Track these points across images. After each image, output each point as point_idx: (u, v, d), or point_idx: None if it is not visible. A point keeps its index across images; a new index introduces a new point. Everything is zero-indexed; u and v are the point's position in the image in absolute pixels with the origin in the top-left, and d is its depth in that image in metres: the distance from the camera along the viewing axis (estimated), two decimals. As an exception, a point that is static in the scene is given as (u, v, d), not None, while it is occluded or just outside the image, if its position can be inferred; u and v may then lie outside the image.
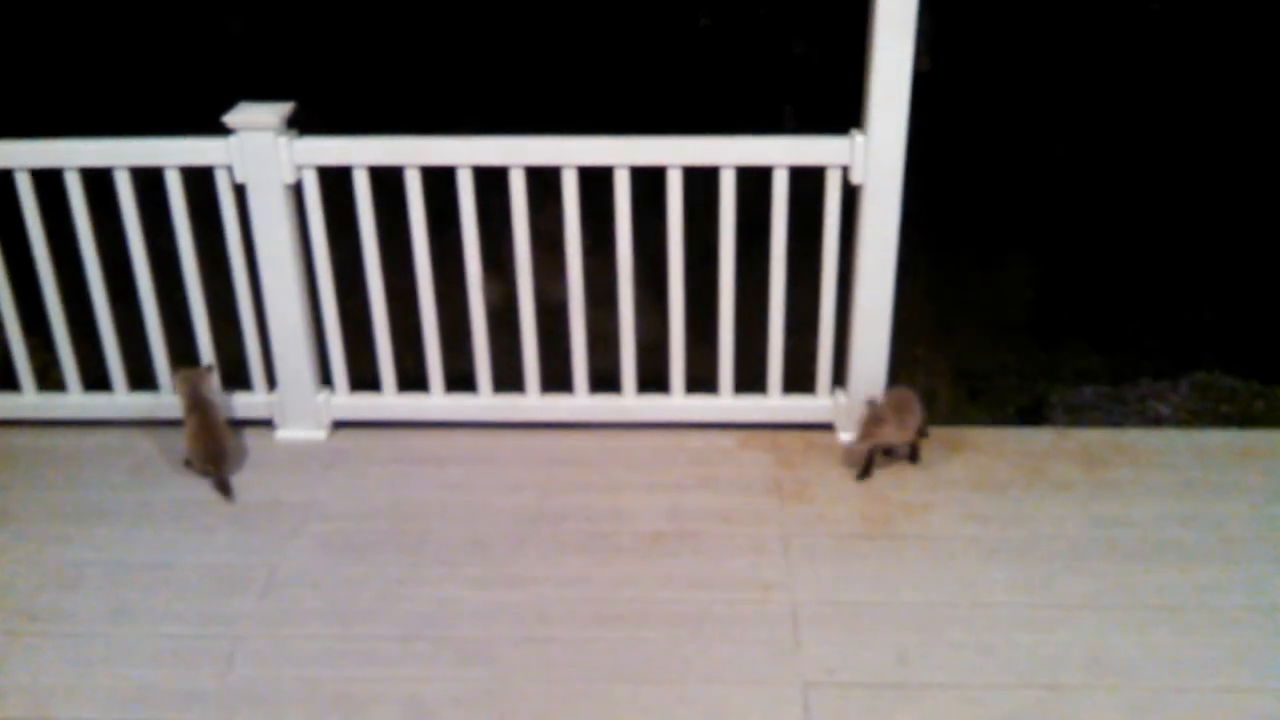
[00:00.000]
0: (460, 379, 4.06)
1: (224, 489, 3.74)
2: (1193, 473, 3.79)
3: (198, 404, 3.83)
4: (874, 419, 3.67)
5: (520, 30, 8.23)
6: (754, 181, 3.74)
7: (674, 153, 3.69)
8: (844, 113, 3.69)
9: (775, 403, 4.02)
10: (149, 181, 3.80)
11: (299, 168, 3.73)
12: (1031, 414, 4.88)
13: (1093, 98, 7.46)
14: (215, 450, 3.80)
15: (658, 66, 7.91)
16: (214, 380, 3.91)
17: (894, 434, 3.72)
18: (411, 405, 4.07)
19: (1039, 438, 4.08)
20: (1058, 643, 3.10)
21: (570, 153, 3.70)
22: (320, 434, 4.06)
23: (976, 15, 7.51)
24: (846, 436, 3.98)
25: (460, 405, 4.07)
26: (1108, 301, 5.82)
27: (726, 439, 4.00)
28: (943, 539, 3.51)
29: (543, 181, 3.77)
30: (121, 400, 4.09)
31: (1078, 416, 4.78)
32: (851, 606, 3.24)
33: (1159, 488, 3.72)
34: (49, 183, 3.81)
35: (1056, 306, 5.78)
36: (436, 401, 4.07)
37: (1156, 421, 4.73)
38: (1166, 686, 2.95)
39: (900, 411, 3.74)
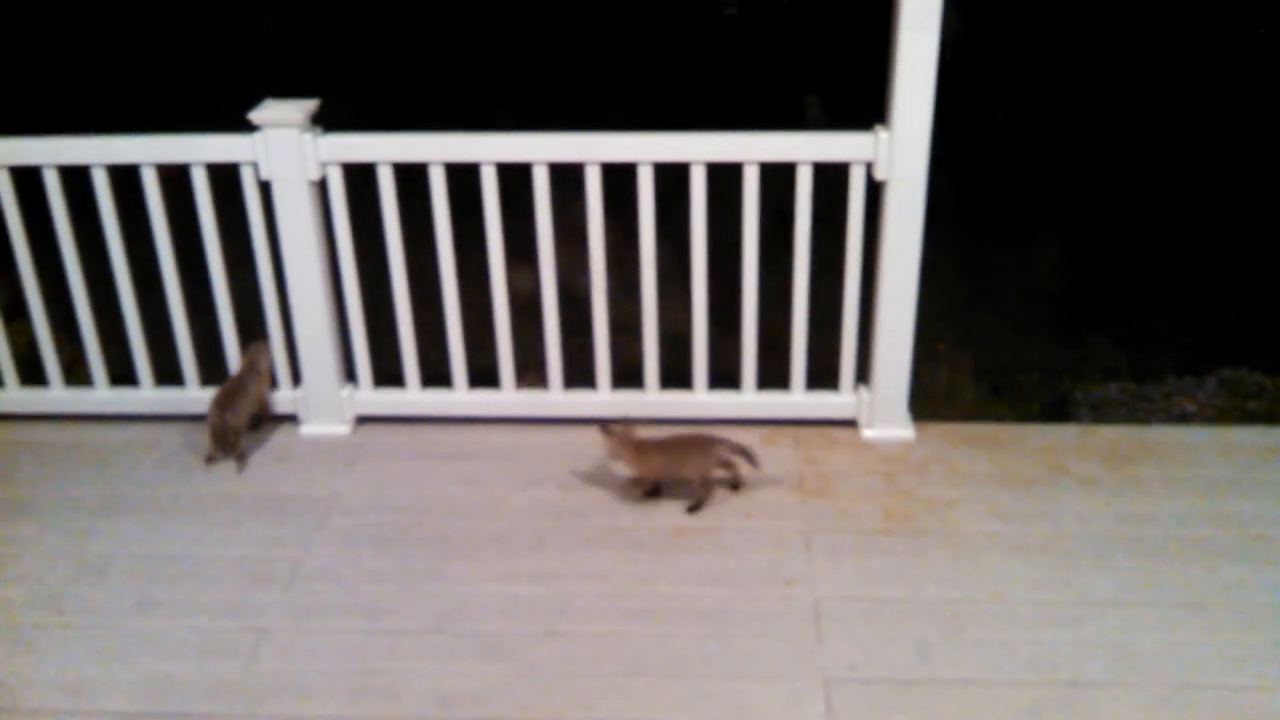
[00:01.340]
0: (483, 374, 4.07)
1: (218, 439, 3.85)
2: (1218, 470, 3.77)
3: (250, 368, 3.97)
4: (618, 441, 3.64)
5: (544, 22, 8.24)
6: (778, 177, 3.73)
7: (698, 149, 3.70)
8: (869, 102, 3.68)
9: (798, 399, 4.02)
10: (176, 179, 3.83)
11: (324, 164, 3.75)
12: (1056, 411, 4.86)
13: (1121, 93, 7.42)
14: (221, 395, 3.89)
15: (683, 55, 7.91)
16: (269, 353, 4.04)
17: (638, 465, 3.65)
18: (435, 401, 4.09)
19: (1063, 435, 4.06)
20: (1081, 639, 3.08)
21: (594, 149, 3.71)
22: (344, 429, 4.08)
23: (1003, 9, 7.48)
24: (870, 433, 3.98)
25: (483, 401, 4.08)
26: (1133, 298, 5.79)
27: (749, 435, 3.98)
28: (966, 535, 3.50)
29: (567, 178, 3.77)
30: (148, 395, 4.12)
31: (1102, 413, 4.76)
32: (873, 602, 3.24)
33: (1184, 485, 3.70)
34: (76, 180, 3.83)
35: (1081, 303, 5.76)
36: (460, 397, 4.08)
37: (1182, 419, 4.70)
38: (1190, 684, 2.94)
39: (676, 450, 3.68)
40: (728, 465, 3.69)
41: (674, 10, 8.28)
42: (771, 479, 3.76)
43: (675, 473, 3.68)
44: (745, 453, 3.67)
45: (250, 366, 3.97)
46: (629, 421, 3.66)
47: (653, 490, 3.71)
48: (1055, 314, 5.68)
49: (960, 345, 5.19)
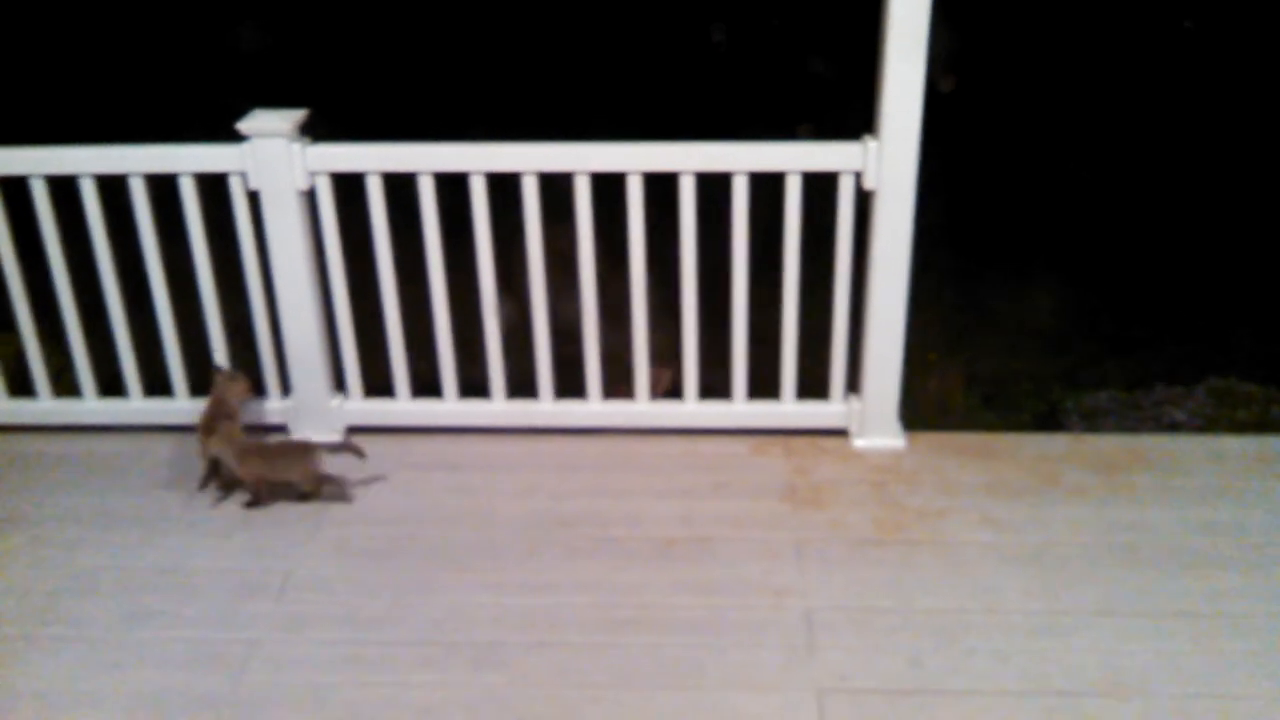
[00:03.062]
0: (473, 385, 4.06)
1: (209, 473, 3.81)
2: (1209, 479, 3.77)
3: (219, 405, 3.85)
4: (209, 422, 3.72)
5: (534, 42, 8.25)
6: (768, 188, 3.73)
7: (687, 158, 3.69)
8: (858, 125, 3.68)
9: (788, 408, 4.01)
10: (163, 188, 3.81)
11: (312, 174, 3.74)
12: (1046, 420, 4.87)
13: (1113, 109, 7.45)
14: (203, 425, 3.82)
15: (672, 79, 7.93)
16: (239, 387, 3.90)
17: (241, 468, 3.69)
18: (425, 411, 4.08)
19: (1054, 444, 4.06)
20: (1073, 650, 3.08)
21: (583, 158, 3.70)
22: (334, 439, 4.07)
23: (1000, 34, 7.51)
24: (861, 443, 3.97)
25: (473, 411, 4.07)
26: (1124, 307, 5.80)
27: (740, 445, 3.99)
28: (957, 545, 3.50)
29: (558, 196, 3.77)
30: (136, 405, 4.11)
31: (1093, 422, 4.77)
32: (865, 613, 3.23)
33: (1175, 494, 3.70)
34: (64, 189, 3.82)
35: (1072, 312, 5.77)
36: (450, 407, 4.07)
37: (1173, 427, 4.71)
38: (1183, 694, 2.93)
39: (277, 454, 3.74)
40: (334, 454, 3.76)
41: (661, 39, 8.31)
42: (762, 489, 3.76)
43: (278, 476, 3.71)
44: (352, 448, 3.77)
45: (219, 403, 3.83)
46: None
47: (262, 494, 3.73)
48: (1046, 324, 5.69)
49: (951, 354, 5.19)
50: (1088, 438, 4.13)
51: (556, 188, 3.76)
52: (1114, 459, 3.89)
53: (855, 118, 3.73)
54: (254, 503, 3.71)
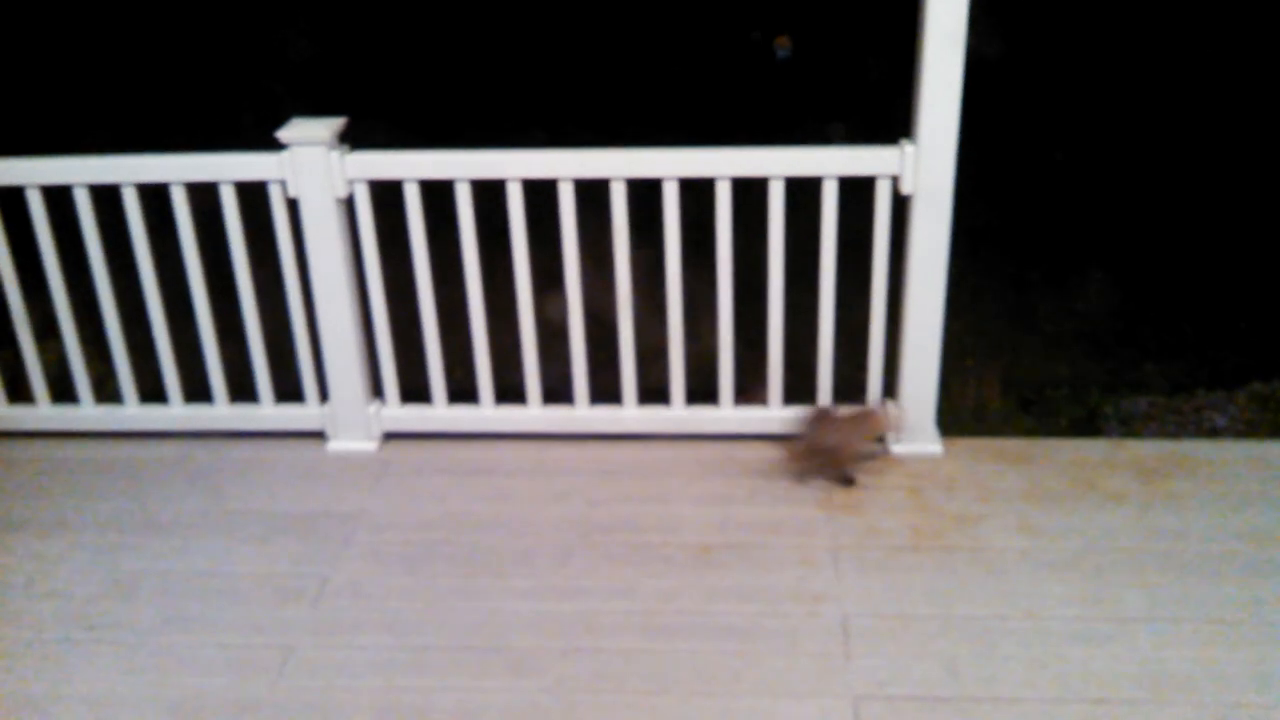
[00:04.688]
0: (510, 390, 4.07)
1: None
2: (1250, 485, 3.73)
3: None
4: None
5: (569, 46, 8.28)
6: (806, 195, 3.72)
7: (724, 164, 3.69)
8: (895, 127, 3.67)
9: (825, 414, 4.00)
10: (203, 197, 3.85)
11: (351, 182, 3.77)
12: (1085, 425, 4.83)
13: (1153, 112, 7.39)
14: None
15: (708, 83, 7.93)
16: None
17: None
18: (461, 417, 4.09)
19: (1092, 449, 4.03)
20: (1112, 657, 3.05)
21: (619, 165, 3.71)
22: (371, 445, 4.09)
23: (1040, 33, 7.48)
24: (897, 448, 3.96)
25: (510, 417, 4.08)
26: (1163, 311, 5.75)
27: (775, 450, 3.98)
28: (995, 551, 3.48)
29: (595, 204, 3.77)
30: (177, 412, 4.14)
31: (1132, 427, 4.73)
32: (902, 619, 3.22)
33: (1216, 500, 3.66)
34: (106, 198, 3.86)
35: (1111, 316, 5.73)
36: (486, 413, 4.09)
37: (1213, 432, 4.66)
38: (1224, 702, 2.90)
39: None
40: None
41: (698, 38, 8.31)
42: (798, 494, 3.76)
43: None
44: None
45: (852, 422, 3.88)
46: None
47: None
48: (1084, 328, 5.65)
49: (988, 359, 5.16)
50: (1127, 443, 4.10)
51: (597, 194, 3.77)
52: (1153, 464, 3.85)
53: (892, 120, 3.72)
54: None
